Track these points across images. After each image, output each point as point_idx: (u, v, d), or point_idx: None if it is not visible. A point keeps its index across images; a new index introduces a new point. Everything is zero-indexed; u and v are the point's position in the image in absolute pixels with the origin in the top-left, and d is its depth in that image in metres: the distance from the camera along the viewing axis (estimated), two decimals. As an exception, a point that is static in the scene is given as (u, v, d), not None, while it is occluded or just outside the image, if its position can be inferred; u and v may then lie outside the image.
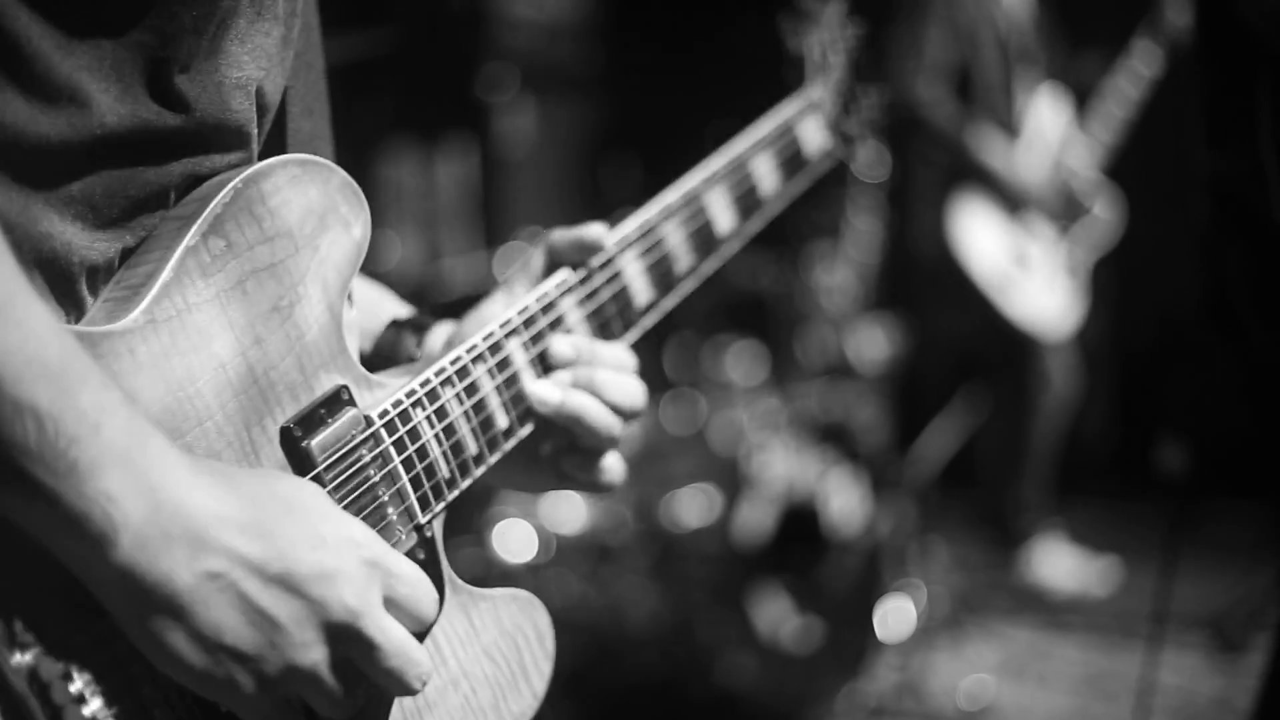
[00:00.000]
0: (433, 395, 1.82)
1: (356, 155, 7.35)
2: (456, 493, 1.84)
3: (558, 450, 2.05)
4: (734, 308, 6.80)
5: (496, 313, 2.04)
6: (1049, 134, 7.03)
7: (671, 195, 2.19)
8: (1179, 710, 5.41)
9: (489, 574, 5.68)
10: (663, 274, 2.18)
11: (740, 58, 8.23)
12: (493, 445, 1.90)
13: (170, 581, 1.38)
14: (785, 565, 5.78)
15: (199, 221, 1.56)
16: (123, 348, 1.49)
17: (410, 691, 1.57)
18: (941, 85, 6.81)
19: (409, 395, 1.78)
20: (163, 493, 1.39)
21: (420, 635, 1.65)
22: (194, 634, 1.41)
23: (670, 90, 8.70)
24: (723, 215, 2.28)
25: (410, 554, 1.74)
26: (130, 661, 1.45)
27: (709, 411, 6.21)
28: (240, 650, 1.43)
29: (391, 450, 1.74)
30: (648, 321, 2.16)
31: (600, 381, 2.00)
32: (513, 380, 1.94)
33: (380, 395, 1.76)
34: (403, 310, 2.15)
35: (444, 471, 1.81)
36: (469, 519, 5.81)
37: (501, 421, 1.91)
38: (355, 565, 1.51)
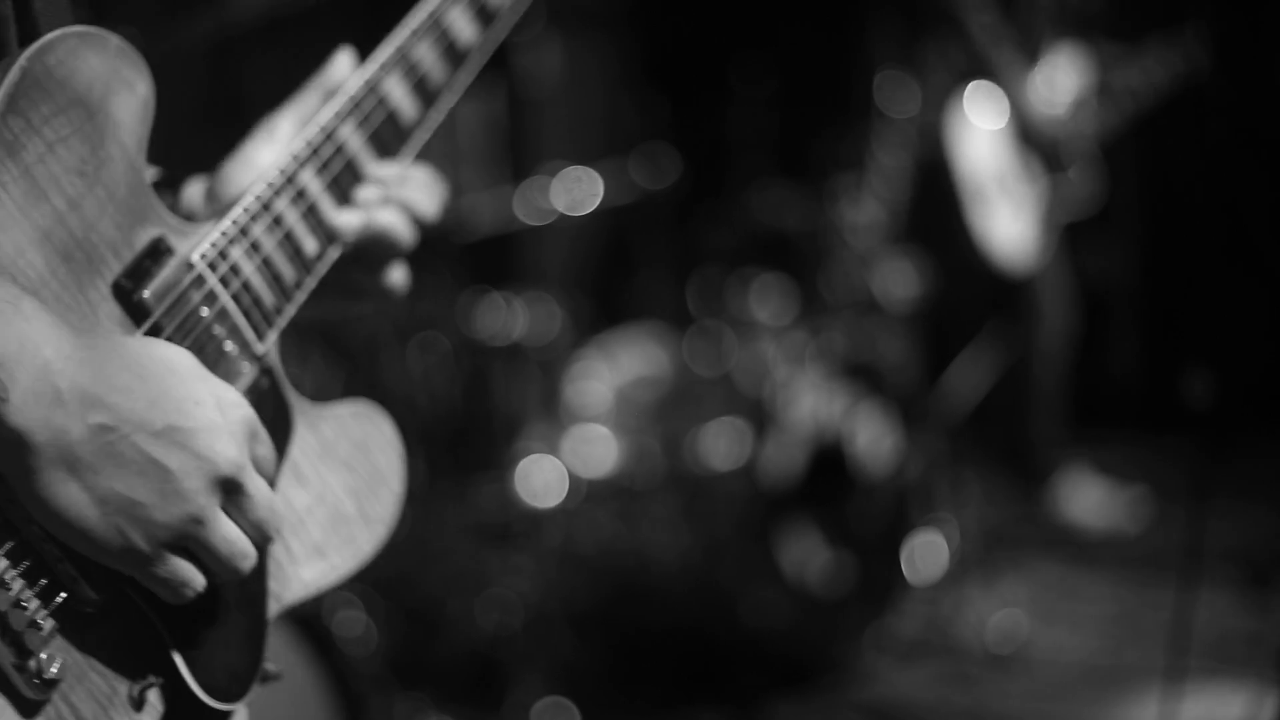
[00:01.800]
0: (245, 231, 1.89)
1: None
2: (284, 319, 1.92)
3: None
4: (759, 242, 6.74)
5: (260, 155, 2.10)
6: (1061, 85, 6.91)
7: (415, 17, 2.24)
8: (1212, 647, 5.35)
9: (510, 516, 5.66)
10: (423, 91, 2.20)
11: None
12: (308, 269, 1.98)
13: (64, 436, 1.47)
14: (813, 502, 5.76)
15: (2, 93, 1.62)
16: None
17: (269, 540, 1.67)
18: None
19: (224, 234, 1.86)
20: (47, 349, 1.48)
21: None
22: (88, 486, 1.49)
23: (696, 26, 8.61)
24: (465, 29, 2.28)
25: (255, 384, 1.85)
26: (27, 522, 1.52)
27: (734, 348, 6.16)
28: (133, 499, 1.51)
29: (220, 288, 1.82)
30: (421, 136, 2.20)
31: (404, 197, 2.09)
32: (313, 209, 2.01)
33: (196, 240, 1.83)
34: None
35: (270, 300, 1.89)
36: (492, 457, 5.79)
37: (310, 246, 1.99)
38: (234, 422, 1.61)
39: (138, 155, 1.77)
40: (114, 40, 1.74)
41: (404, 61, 2.17)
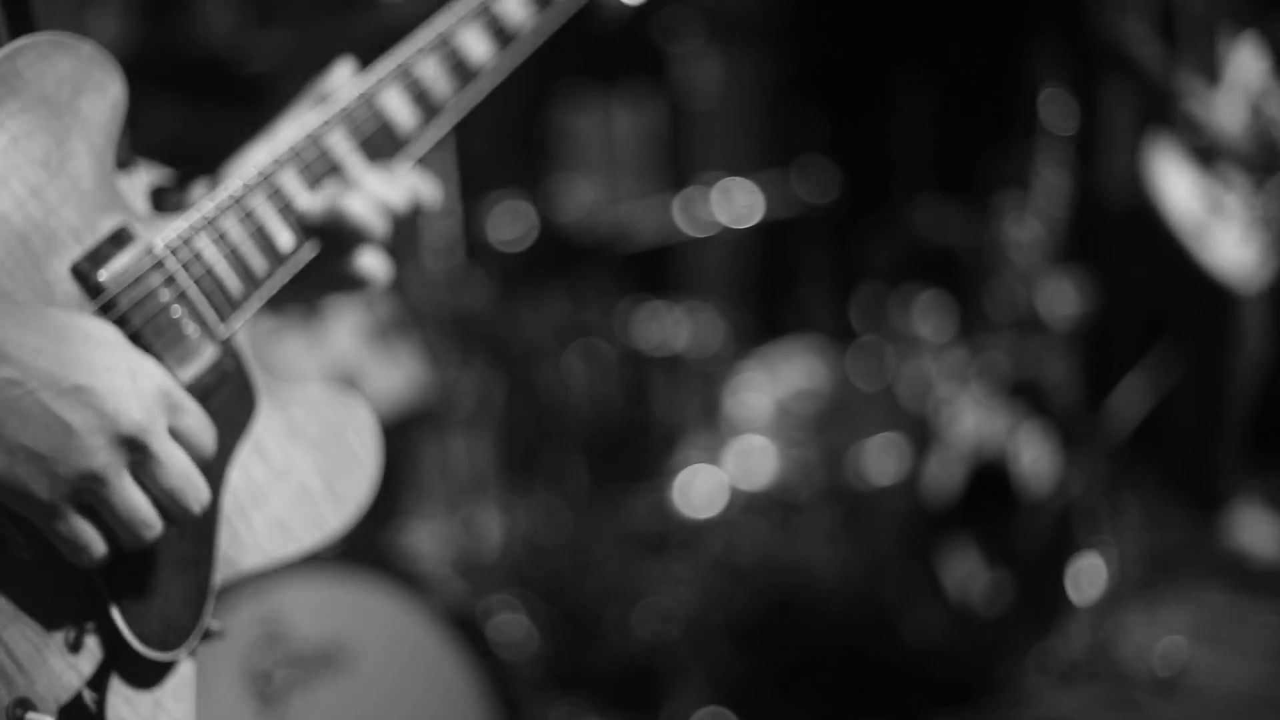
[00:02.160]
0: (213, 221, 1.96)
1: (535, 99, 7.35)
2: (252, 305, 2.00)
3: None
4: (921, 259, 6.69)
5: (258, 157, 2.15)
6: (1250, 82, 6.79)
7: (424, 35, 2.29)
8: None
9: (669, 526, 5.66)
10: (425, 104, 2.26)
11: (926, 5, 8.11)
12: (280, 260, 2.04)
13: None
14: (975, 521, 5.69)
15: None
16: None
17: (188, 513, 1.72)
18: (1145, 22, 6.60)
19: (190, 225, 1.93)
20: None
21: (206, 466, 1.79)
22: None
23: (855, 40, 8.57)
24: (477, 47, 2.32)
25: (218, 364, 1.90)
26: None
27: (896, 364, 6.12)
28: (35, 450, 1.59)
29: (181, 272, 1.89)
30: (420, 147, 2.26)
31: (363, 183, 2.14)
32: (289, 206, 2.07)
33: (163, 227, 1.92)
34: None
35: (235, 287, 1.97)
36: (652, 466, 5.79)
37: (285, 241, 2.06)
38: (146, 389, 1.68)
39: (105, 150, 1.88)
40: (86, 47, 1.86)
41: (405, 76, 2.23)
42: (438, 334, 5.46)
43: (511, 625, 5.20)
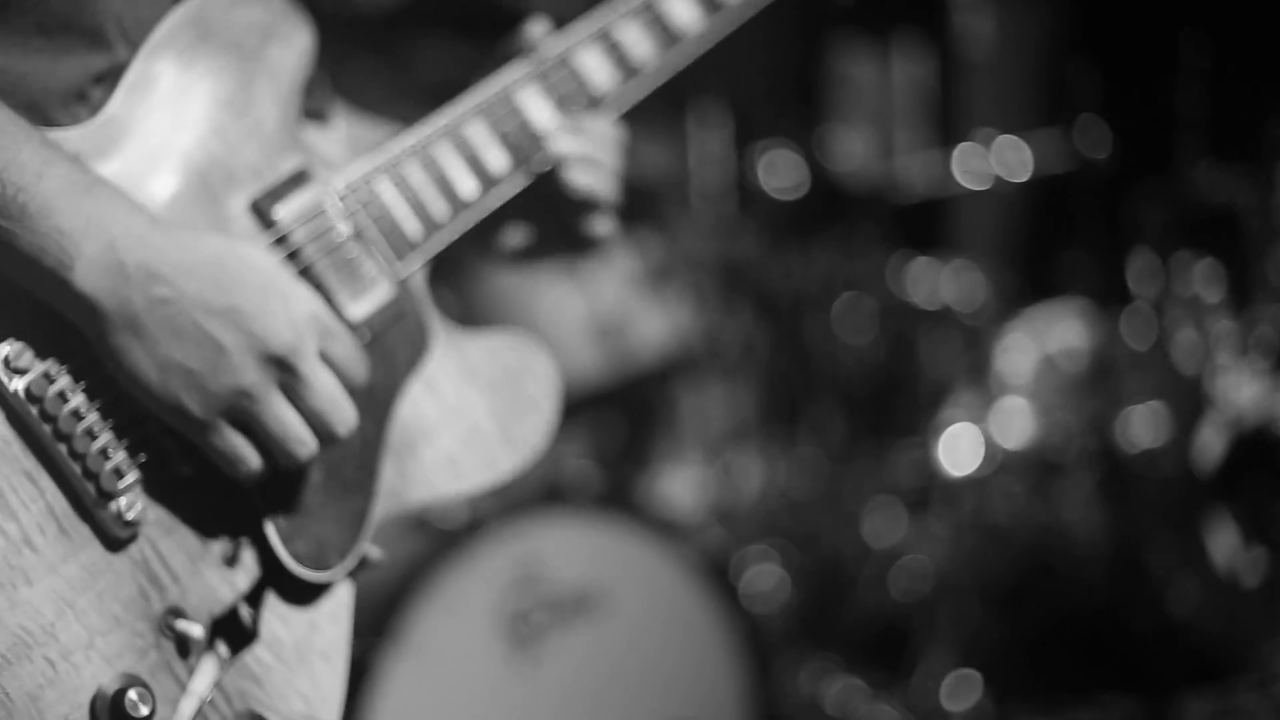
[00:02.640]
0: (395, 165, 2.04)
1: (809, 48, 7.31)
2: (430, 247, 2.06)
3: (551, 215, 2.23)
4: (1201, 223, 6.52)
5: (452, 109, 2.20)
6: None
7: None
8: None
9: (931, 483, 5.62)
10: (624, 66, 2.28)
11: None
12: (462, 206, 2.10)
13: (127, 304, 1.66)
14: (1241, 494, 5.55)
15: (156, 36, 1.85)
16: (89, 145, 1.77)
17: (333, 436, 1.79)
18: None
19: (373, 167, 2.02)
20: (115, 229, 1.66)
21: (369, 395, 1.89)
22: (149, 350, 1.67)
23: (1136, -2, 8.36)
24: (683, 13, 2.33)
25: (394, 303, 1.99)
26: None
27: (1169, 329, 5.97)
28: (188, 367, 1.68)
29: (360, 212, 1.97)
30: (617, 106, 2.28)
31: (590, 131, 2.19)
32: (475, 155, 2.12)
33: (343, 173, 2.01)
34: None
35: (412, 229, 2.04)
36: (915, 422, 5.75)
37: (467, 187, 2.11)
38: (297, 314, 1.75)
39: (291, 97, 1.96)
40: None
41: (605, 38, 2.27)
42: (706, 281, 5.48)
43: (765, 576, 5.22)
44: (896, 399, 5.89)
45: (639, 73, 2.30)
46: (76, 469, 1.68)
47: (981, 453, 5.58)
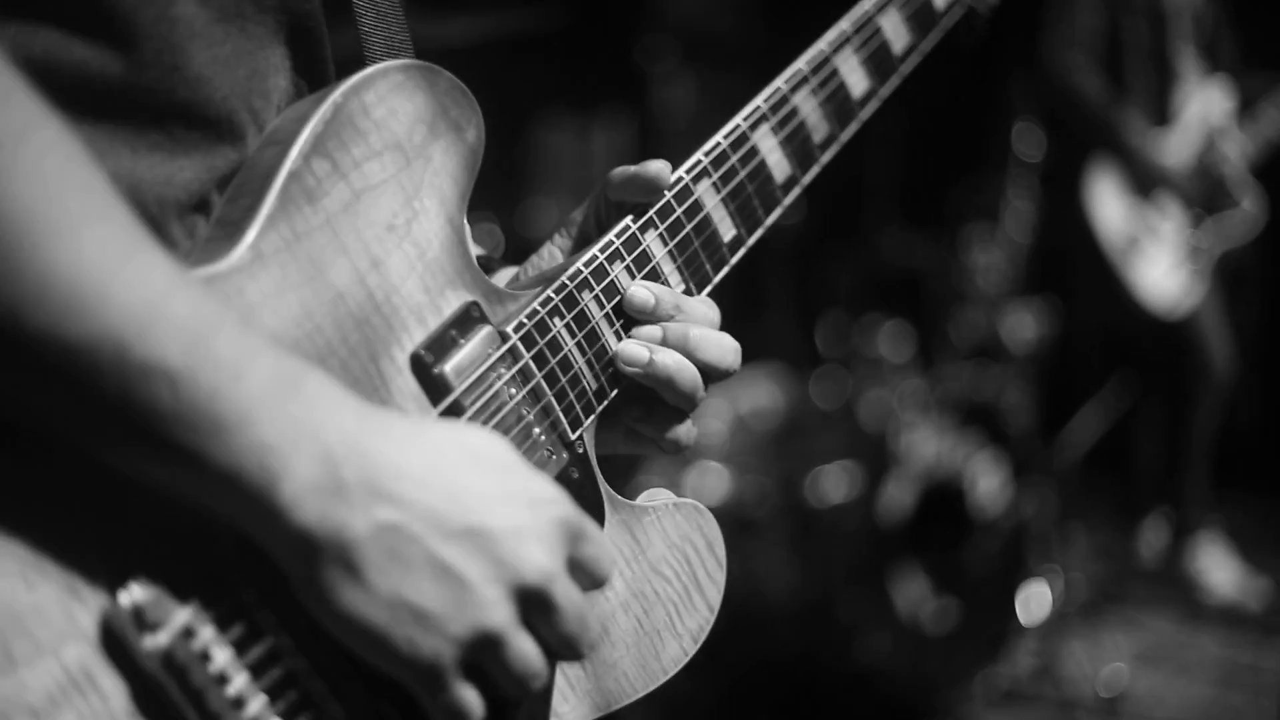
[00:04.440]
0: (571, 300, 1.66)
1: (513, 122, 7.43)
2: (606, 403, 1.69)
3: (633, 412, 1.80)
4: (888, 286, 6.77)
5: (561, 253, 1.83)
6: (1209, 121, 6.91)
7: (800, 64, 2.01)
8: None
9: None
10: (764, 197, 1.93)
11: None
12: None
13: (343, 532, 1.27)
14: (927, 545, 5.76)
15: (299, 143, 1.42)
16: (230, 289, 1.36)
17: (577, 658, 1.43)
18: (1088, 54, 6.72)
19: (545, 302, 1.63)
20: (330, 435, 1.28)
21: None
22: (372, 589, 1.29)
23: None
24: (856, 80, 2.03)
25: (564, 473, 1.63)
26: (279, 630, 1.36)
27: (858, 388, 6.19)
28: (424, 608, 1.30)
29: (532, 365, 1.60)
30: (733, 257, 1.89)
31: (694, 338, 1.74)
32: (654, 271, 1.76)
33: (513, 308, 1.62)
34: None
35: (590, 381, 1.67)
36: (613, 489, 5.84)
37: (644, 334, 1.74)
38: (547, 523, 1.37)
39: (457, 209, 1.56)
40: (445, 77, 1.55)
41: (784, 121, 1.97)
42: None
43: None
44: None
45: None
46: None
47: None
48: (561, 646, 1.40)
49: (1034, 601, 5.98)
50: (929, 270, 6.82)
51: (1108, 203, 6.70)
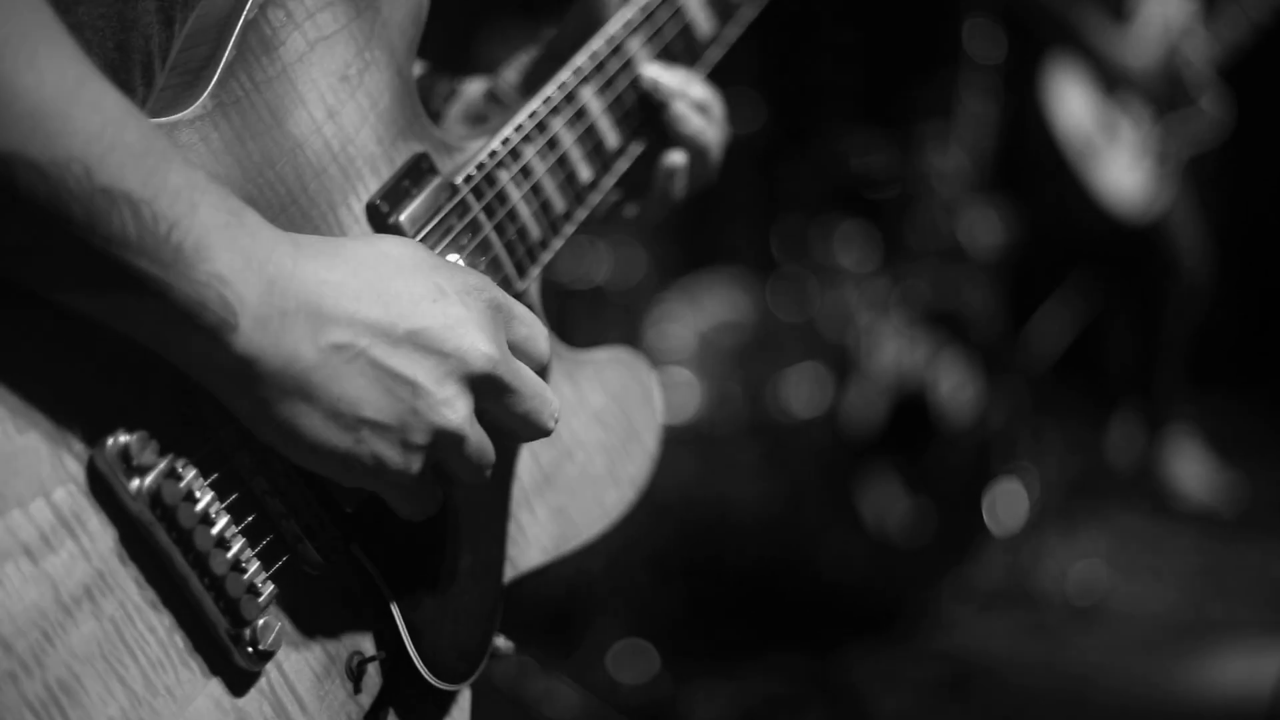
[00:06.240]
0: (516, 154, 1.71)
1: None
2: (549, 254, 1.77)
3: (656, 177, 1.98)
4: (843, 189, 6.68)
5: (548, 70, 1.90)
6: (1169, 20, 6.81)
7: None
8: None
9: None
10: (722, 6, 2.07)
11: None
12: (580, 199, 1.82)
13: (296, 360, 1.29)
14: (894, 450, 5.72)
15: None
16: (193, 137, 1.39)
17: (545, 431, 1.47)
18: None
19: (491, 156, 1.68)
20: (271, 267, 1.29)
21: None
22: (330, 412, 1.32)
23: None
24: None
25: None
26: (254, 473, 1.39)
27: (818, 294, 6.12)
28: (382, 421, 1.34)
29: (482, 216, 1.66)
30: (713, 55, 2.05)
31: (693, 95, 1.95)
32: (591, 130, 1.84)
33: (460, 159, 1.67)
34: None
35: (536, 233, 1.73)
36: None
37: (585, 174, 1.83)
38: (480, 310, 1.40)
39: (406, 60, 1.58)
40: None
41: None
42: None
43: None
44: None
45: (737, 8, 2.11)
46: (211, 601, 1.35)
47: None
48: (525, 426, 1.46)
49: (1006, 502, 5.93)
50: (886, 172, 6.72)
51: (1067, 102, 6.61)
